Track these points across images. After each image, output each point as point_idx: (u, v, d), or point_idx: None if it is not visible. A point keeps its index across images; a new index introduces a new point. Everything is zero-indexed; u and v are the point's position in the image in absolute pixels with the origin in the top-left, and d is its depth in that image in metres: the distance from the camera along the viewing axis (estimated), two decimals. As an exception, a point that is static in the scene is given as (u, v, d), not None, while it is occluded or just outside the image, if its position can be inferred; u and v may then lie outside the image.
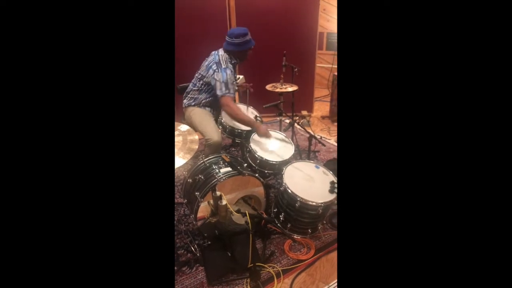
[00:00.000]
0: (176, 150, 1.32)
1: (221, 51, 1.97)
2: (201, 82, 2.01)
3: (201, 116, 2.02)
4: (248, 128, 1.94)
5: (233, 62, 1.98)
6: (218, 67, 1.90)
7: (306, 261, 1.53)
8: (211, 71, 1.92)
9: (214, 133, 1.90)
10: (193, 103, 2.09)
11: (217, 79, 1.87)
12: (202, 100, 2.06)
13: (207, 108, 2.11)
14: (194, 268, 1.49)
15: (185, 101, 2.15)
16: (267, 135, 1.93)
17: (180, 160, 1.27)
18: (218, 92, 1.87)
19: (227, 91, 1.87)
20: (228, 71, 1.89)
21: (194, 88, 2.06)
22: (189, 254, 1.56)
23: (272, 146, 1.90)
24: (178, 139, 1.41)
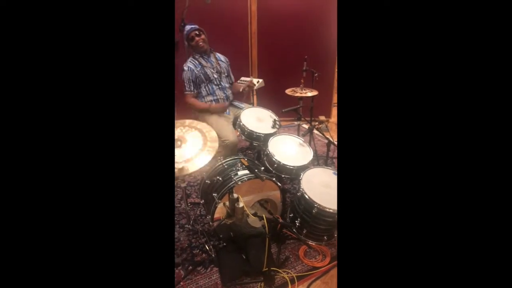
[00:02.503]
0: (198, 148, 1.34)
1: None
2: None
3: (216, 119, 2.07)
4: (266, 132, 1.94)
5: (197, 56, 2.08)
6: (182, 69, 2.07)
7: (321, 269, 1.51)
8: None
9: (229, 134, 1.93)
10: None
11: None
12: (208, 102, 2.13)
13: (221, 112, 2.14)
14: (209, 269, 1.50)
15: None
16: (224, 107, 2.09)
17: (206, 158, 1.28)
18: None
19: (184, 89, 2.07)
20: (185, 68, 2.03)
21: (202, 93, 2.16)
22: (204, 254, 1.58)
23: (290, 151, 1.89)
24: (199, 138, 1.42)
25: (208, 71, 2.08)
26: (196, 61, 2.06)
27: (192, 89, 2.07)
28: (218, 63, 2.15)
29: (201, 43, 2.02)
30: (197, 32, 2.01)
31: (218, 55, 2.21)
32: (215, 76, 2.12)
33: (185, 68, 2.03)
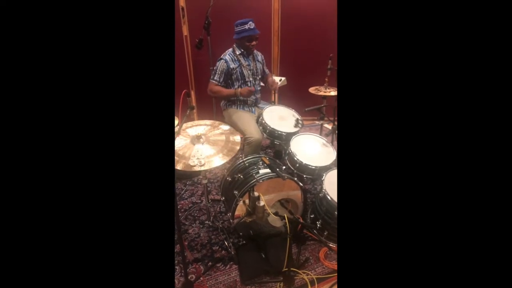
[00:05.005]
0: (218, 148, 1.35)
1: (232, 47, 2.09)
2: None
3: (241, 116, 2.06)
4: (288, 130, 1.92)
5: (239, 53, 2.04)
6: (219, 58, 2.06)
7: (342, 272, 1.47)
8: None
9: (254, 132, 1.92)
10: (229, 104, 2.15)
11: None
12: (236, 99, 2.11)
13: (245, 108, 2.13)
14: (228, 266, 1.50)
15: (222, 103, 2.22)
16: (250, 91, 2.01)
17: (221, 160, 1.30)
18: None
19: (211, 77, 2.07)
20: (222, 60, 2.02)
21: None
22: (223, 251, 1.59)
23: (313, 151, 1.86)
24: (221, 138, 1.44)
25: (245, 72, 2.07)
26: (235, 57, 2.05)
27: (220, 81, 2.05)
28: (255, 64, 2.14)
29: (253, 48, 2.05)
30: (257, 37, 2.02)
31: (256, 53, 2.18)
32: (251, 79, 2.11)
33: (223, 58, 2.03)
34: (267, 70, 2.32)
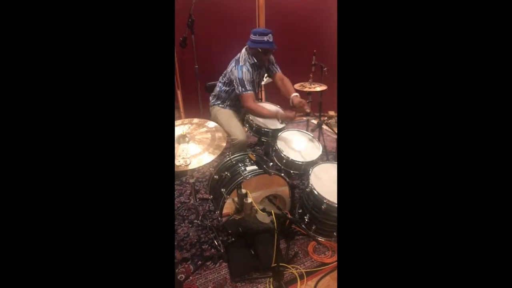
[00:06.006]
0: (205, 146, 1.35)
1: (244, 49, 1.97)
2: (224, 79, 2.02)
3: (226, 116, 2.04)
4: (274, 127, 1.93)
5: (252, 62, 1.93)
6: (236, 64, 1.91)
7: (330, 265, 1.50)
8: (229, 68, 1.94)
9: (239, 133, 1.91)
10: (217, 102, 2.12)
11: (233, 76, 1.88)
12: (226, 98, 2.07)
13: (232, 109, 2.12)
14: (218, 264, 1.51)
15: (211, 99, 2.19)
16: (292, 118, 1.84)
17: (209, 157, 1.30)
18: (237, 91, 1.88)
19: (243, 89, 1.86)
20: (244, 69, 1.87)
21: (218, 86, 2.09)
22: (213, 250, 1.59)
23: (299, 146, 1.88)
24: (206, 136, 1.43)
25: (254, 85, 2.00)
26: (251, 69, 1.91)
27: (249, 89, 1.88)
28: (262, 75, 2.07)
29: (266, 61, 1.96)
30: (273, 51, 1.94)
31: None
32: (255, 91, 2.07)
33: (244, 69, 1.87)
34: (274, 69, 2.16)
